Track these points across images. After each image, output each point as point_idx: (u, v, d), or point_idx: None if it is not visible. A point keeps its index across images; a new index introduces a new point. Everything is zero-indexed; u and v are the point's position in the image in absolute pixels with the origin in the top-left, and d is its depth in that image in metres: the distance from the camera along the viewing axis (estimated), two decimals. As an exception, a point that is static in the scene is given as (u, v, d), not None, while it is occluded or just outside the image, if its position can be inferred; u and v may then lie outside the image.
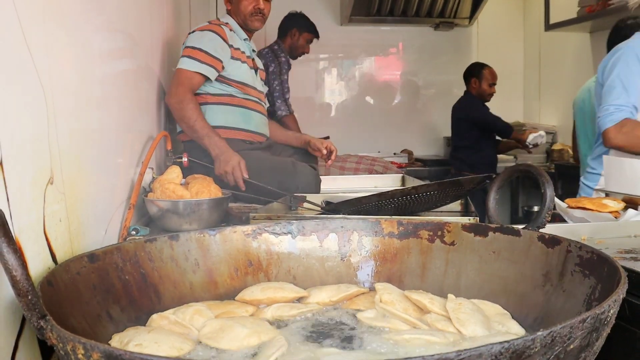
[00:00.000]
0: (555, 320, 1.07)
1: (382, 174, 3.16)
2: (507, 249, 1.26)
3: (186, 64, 2.47)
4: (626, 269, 1.00)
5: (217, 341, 1.08)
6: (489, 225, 1.31)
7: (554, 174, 4.81)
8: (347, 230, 1.45)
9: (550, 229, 1.54)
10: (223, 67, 2.56)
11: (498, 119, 5.17)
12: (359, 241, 1.44)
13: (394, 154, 5.84)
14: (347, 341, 1.09)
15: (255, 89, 2.67)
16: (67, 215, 1.14)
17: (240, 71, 2.62)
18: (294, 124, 4.14)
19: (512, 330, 1.12)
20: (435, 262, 1.37)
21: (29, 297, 0.76)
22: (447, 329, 1.11)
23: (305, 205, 1.93)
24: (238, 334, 1.09)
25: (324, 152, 2.69)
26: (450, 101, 5.66)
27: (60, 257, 1.11)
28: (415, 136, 6.56)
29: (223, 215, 1.65)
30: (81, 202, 1.24)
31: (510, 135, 5.14)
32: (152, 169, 1.82)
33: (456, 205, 2.08)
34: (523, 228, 1.25)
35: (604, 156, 2.11)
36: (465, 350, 0.63)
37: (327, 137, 4.44)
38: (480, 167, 4.90)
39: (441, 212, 2.02)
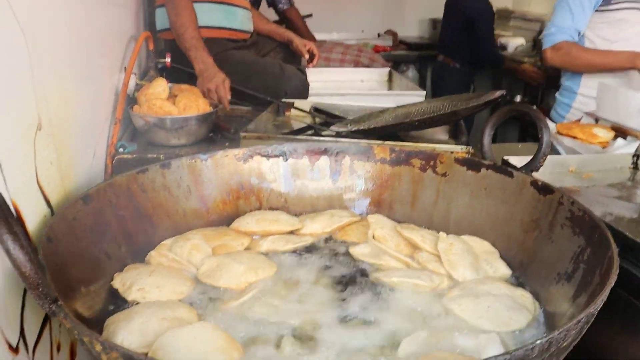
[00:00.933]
0: (540, 268, 1.12)
1: (368, 66, 3.08)
2: (499, 188, 1.28)
3: None
4: (614, 231, 1.04)
5: (216, 279, 1.11)
6: (483, 161, 1.32)
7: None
8: (339, 154, 1.44)
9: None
10: None
11: (491, 45, 4.57)
12: (350, 166, 1.44)
13: (378, 34, 5.61)
14: (340, 283, 1.12)
15: None
16: (57, 155, 1.10)
17: None
18: (297, 18, 3.85)
19: (499, 271, 1.17)
20: (426, 192, 1.39)
21: (40, 290, 0.75)
22: (438, 271, 1.16)
23: (293, 112, 1.89)
24: (235, 271, 1.12)
25: (306, 56, 2.60)
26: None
27: (55, 201, 1.09)
28: (399, 16, 6.24)
29: (211, 128, 1.61)
30: (68, 131, 1.19)
31: (501, 67, 4.65)
32: (135, 74, 1.73)
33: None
34: (517, 170, 1.26)
35: (599, 82, 2.08)
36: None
37: (310, 15, 4.22)
38: (469, 57, 4.51)
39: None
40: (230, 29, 2.35)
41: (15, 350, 0.89)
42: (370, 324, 1.00)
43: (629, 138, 1.66)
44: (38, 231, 1.00)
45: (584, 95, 2.61)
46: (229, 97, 1.90)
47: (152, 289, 1.06)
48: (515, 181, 1.25)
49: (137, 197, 1.23)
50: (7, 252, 0.73)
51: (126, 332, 0.92)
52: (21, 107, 0.96)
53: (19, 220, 0.95)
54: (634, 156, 1.60)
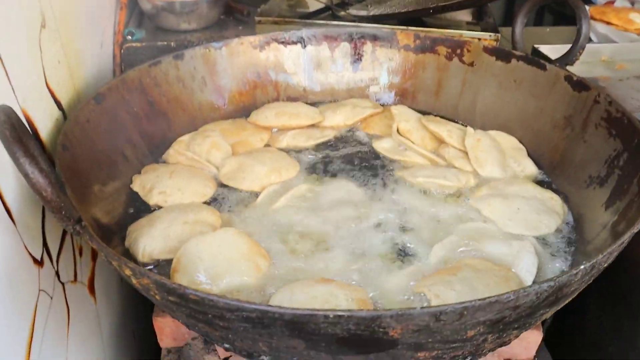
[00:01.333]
0: (570, 169, 1.09)
1: None
2: (530, 81, 1.21)
3: None
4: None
5: (238, 182, 1.09)
6: (513, 51, 1.24)
7: None
8: (360, 40, 1.35)
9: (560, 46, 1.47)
10: None
11: None
12: (372, 53, 1.36)
13: None
14: (365, 185, 1.10)
15: None
16: (64, 52, 1.03)
17: None
18: None
19: (527, 169, 1.14)
20: (451, 81, 1.32)
21: (63, 213, 0.73)
22: (464, 168, 1.13)
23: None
24: (258, 173, 1.09)
25: None
26: None
27: (66, 102, 1.03)
28: None
29: (223, 9, 1.50)
30: (74, 24, 1.10)
31: None
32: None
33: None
34: (551, 62, 1.19)
35: None
36: (517, 291, 0.65)
37: None
38: None
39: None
40: None
41: (40, 263, 0.88)
42: (398, 228, 0.98)
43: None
44: (52, 138, 0.96)
45: None
46: None
47: (173, 191, 1.04)
48: (548, 74, 1.18)
49: (151, 91, 1.17)
50: (26, 176, 0.70)
51: (149, 238, 0.91)
52: (23, 4, 0.88)
53: (34, 134, 0.90)
54: (674, 43, 1.51)
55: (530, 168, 1.14)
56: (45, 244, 0.92)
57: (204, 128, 1.22)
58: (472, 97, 1.29)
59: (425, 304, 0.83)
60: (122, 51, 1.34)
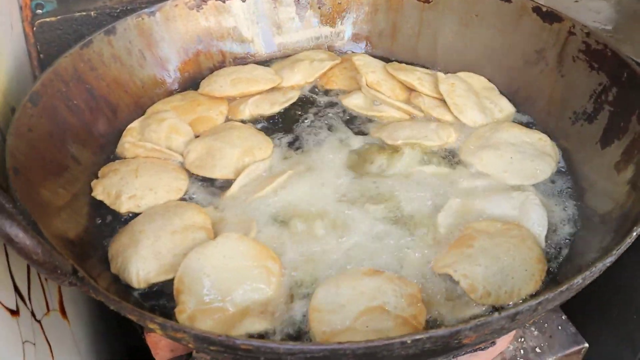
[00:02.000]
0: (550, 105, 1.06)
1: None
2: (493, 15, 1.15)
3: None
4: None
5: (209, 170, 0.98)
6: (473, -17, 1.17)
7: None
8: (305, -17, 1.23)
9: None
10: None
11: None
12: (318, -1, 1.25)
13: None
14: (342, 151, 1.02)
15: None
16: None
17: None
18: None
19: (505, 110, 1.10)
20: (407, 22, 1.24)
21: (58, 272, 0.61)
22: (444, 117, 1.08)
23: None
24: (230, 157, 0.99)
25: None
26: None
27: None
28: None
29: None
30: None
31: None
32: None
33: None
34: (515, -7, 1.13)
35: None
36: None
37: None
38: None
39: None
40: None
41: (17, 312, 0.76)
42: (391, 199, 0.92)
43: None
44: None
45: None
46: None
47: (145, 193, 0.92)
48: (513, 7, 1.13)
49: (87, 77, 1.02)
50: (10, 241, 0.57)
51: (139, 260, 0.80)
52: None
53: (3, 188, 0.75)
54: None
55: (507, 107, 1.11)
56: (16, 289, 0.79)
57: (153, 109, 1.09)
58: (431, 37, 1.23)
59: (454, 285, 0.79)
60: (34, 29, 1.14)
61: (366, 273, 0.78)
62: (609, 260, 0.65)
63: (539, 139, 1.02)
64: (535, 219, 0.87)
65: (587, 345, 0.97)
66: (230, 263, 0.79)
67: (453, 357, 0.81)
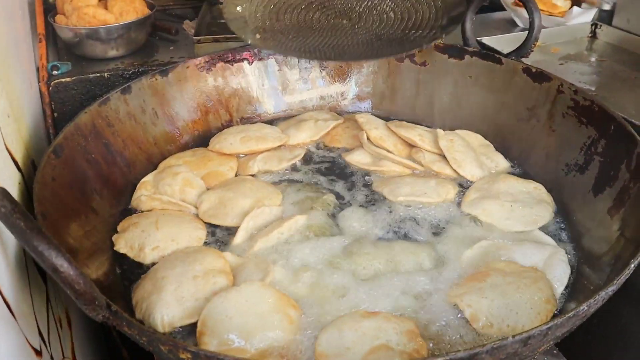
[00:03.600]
0: (544, 159, 1.12)
1: None
2: (486, 76, 1.23)
3: None
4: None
5: (222, 219, 1.01)
6: (466, 47, 1.25)
7: None
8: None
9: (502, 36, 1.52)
10: None
11: None
12: (321, 63, 1.32)
13: None
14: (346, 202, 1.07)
15: None
16: (8, 101, 0.89)
17: None
18: None
19: (500, 165, 1.16)
20: (405, 84, 1.32)
21: (95, 303, 0.63)
22: (443, 171, 1.12)
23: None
24: (242, 206, 1.02)
25: None
26: None
27: (20, 161, 0.90)
28: None
29: (150, 31, 1.38)
30: (8, 69, 0.96)
31: None
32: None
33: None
34: (505, 56, 1.21)
35: None
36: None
37: None
38: None
39: None
40: None
41: (39, 353, 0.77)
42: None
43: (583, 5, 1.65)
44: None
45: None
46: None
47: (167, 244, 0.94)
48: (504, 68, 1.21)
49: (105, 133, 1.06)
50: (55, 270, 0.60)
51: (163, 306, 0.82)
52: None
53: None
54: (592, 25, 1.61)
55: (503, 162, 1.17)
56: (39, 330, 0.80)
57: (166, 164, 1.13)
58: (428, 97, 1.30)
59: (458, 315, 0.83)
60: (49, 89, 1.19)
61: (363, 315, 0.81)
62: (611, 289, 0.69)
63: (535, 188, 1.08)
64: (558, 274, 0.89)
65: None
66: (253, 308, 0.81)
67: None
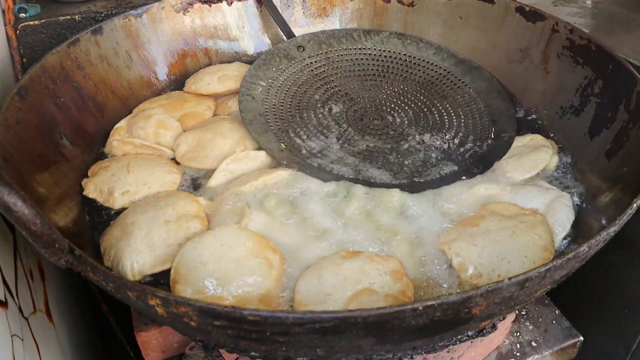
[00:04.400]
0: (537, 101, 1.07)
1: None
2: (477, 16, 1.18)
3: None
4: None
5: (201, 161, 0.96)
6: (457, -14, 1.19)
7: None
8: (288, -10, 1.25)
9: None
10: None
11: None
12: (303, 2, 1.26)
13: None
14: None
15: None
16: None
17: None
18: None
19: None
20: (392, 24, 1.26)
21: (55, 246, 0.59)
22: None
23: None
24: (221, 147, 0.97)
25: None
26: None
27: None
28: None
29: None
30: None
31: None
32: None
33: None
34: (497, -6, 1.15)
35: None
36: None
37: None
38: None
39: None
40: None
41: (5, 304, 0.73)
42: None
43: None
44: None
45: None
46: None
47: (138, 188, 0.90)
48: (496, 8, 1.15)
49: (75, 76, 1.00)
50: (7, 209, 0.55)
51: (133, 252, 0.78)
52: None
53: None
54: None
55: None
56: (4, 282, 0.76)
57: (140, 107, 1.07)
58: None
59: (446, 265, 0.79)
60: (17, 32, 1.13)
61: (344, 256, 0.77)
62: (613, 229, 0.65)
63: (530, 139, 1.01)
64: (560, 218, 0.84)
65: (582, 338, 0.97)
66: (229, 253, 0.77)
67: (456, 341, 0.80)
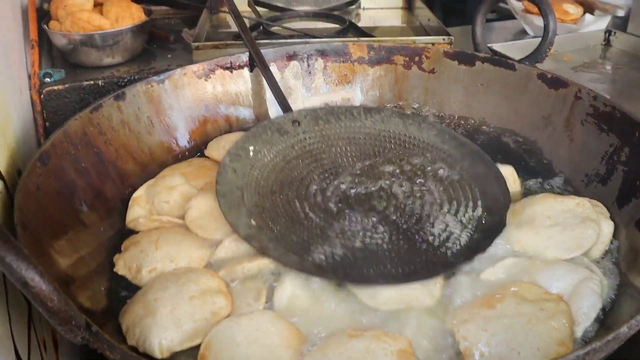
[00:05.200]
0: (561, 169, 1.05)
1: None
2: (499, 83, 1.17)
3: None
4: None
5: (210, 232, 0.92)
6: (477, 54, 1.20)
7: None
8: (310, 57, 1.25)
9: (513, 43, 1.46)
10: None
11: None
12: (324, 69, 1.26)
13: None
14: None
15: None
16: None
17: None
18: None
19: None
20: (412, 92, 1.26)
21: (72, 323, 0.57)
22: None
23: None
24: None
25: None
26: None
27: (4, 169, 0.85)
28: None
29: (147, 39, 1.33)
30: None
31: None
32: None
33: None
34: (519, 61, 1.15)
35: None
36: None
37: None
38: None
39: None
40: None
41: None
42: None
43: (596, 12, 1.60)
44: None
45: None
46: None
47: (165, 265, 0.86)
48: (518, 74, 1.15)
49: (96, 141, 1.00)
50: (24, 284, 0.53)
51: (160, 329, 0.74)
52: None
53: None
54: (605, 32, 1.55)
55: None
56: (16, 351, 0.73)
57: (160, 175, 1.06)
58: (437, 105, 1.24)
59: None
60: (42, 96, 1.14)
61: (351, 334, 0.73)
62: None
63: (577, 204, 0.93)
64: (585, 306, 0.77)
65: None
66: (263, 339, 0.73)
67: None
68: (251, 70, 1.22)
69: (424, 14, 1.73)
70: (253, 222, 0.90)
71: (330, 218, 0.93)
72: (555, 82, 1.09)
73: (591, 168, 1.01)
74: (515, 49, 1.39)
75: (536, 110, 1.12)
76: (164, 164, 1.10)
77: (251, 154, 1.02)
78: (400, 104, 1.26)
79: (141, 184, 1.04)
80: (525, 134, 1.13)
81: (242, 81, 1.22)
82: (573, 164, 1.04)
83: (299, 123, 1.08)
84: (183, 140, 1.15)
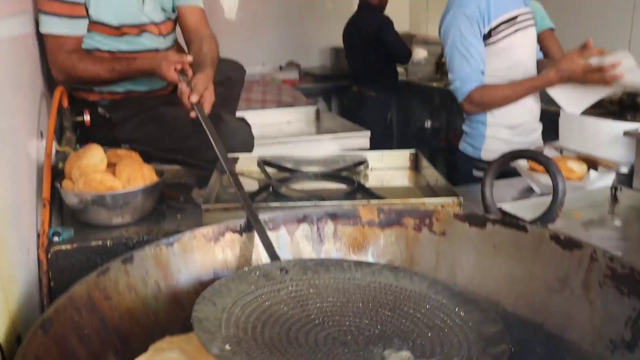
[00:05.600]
0: (583, 334, 1.01)
1: (292, 105, 2.95)
2: (511, 245, 1.16)
3: (46, 25, 1.80)
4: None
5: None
6: (488, 216, 1.20)
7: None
8: (320, 220, 1.26)
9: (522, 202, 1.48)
10: (87, 10, 1.85)
11: (404, 45, 4.77)
12: (334, 232, 1.26)
13: (280, 67, 5.58)
14: None
15: (139, 26, 1.95)
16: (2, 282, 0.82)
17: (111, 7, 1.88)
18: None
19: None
20: (424, 255, 1.24)
21: None
22: None
23: (239, 167, 1.66)
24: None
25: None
26: (334, 7, 5.31)
27: (2, 336, 0.81)
28: (300, 46, 6.12)
29: (157, 200, 1.36)
30: (3, 231, 0.90)
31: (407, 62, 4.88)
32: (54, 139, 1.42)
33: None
34: (530, 223, 1.15)
35: (562, 113, 2.03)
36: None
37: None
38: (384, 83, 4.68)
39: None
40: (141, 92, 1.99)
41: None
42: None
43: (600, 169, 1.64)
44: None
45: (494, 124, 2.56)
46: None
47: None
48: (530, 236, 1.14)
49: (101, 306, 0.97)
50: None
51: None
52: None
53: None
54: (612, 188, 1.58)
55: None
56: None
57: (157, 347, 1.01)
58: (449, 267, 1.22)
59: None
60: (49, 256, 1.13)
61: None
62: None
63: None
64: None
65: None
66: None
67: None
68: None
69: (431, 174, 1.77)
70: (228, 347, 0.87)
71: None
72: (569, 243, 1.08)
73: (615, 333, 0.96)
74: (524, 209, 1.40)
75: (551, 272, 1.09)
76: (169, 330, 1.06)
77: (233, 292, 1.00)
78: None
79: (143, 350, 0.99)
80: (541, 297, 1.10)
81: (252, 245, 1.21)
82: (595, 329, 1.00)
83: (286, 271, 1.08)
84: (190, 303, 1.09)
